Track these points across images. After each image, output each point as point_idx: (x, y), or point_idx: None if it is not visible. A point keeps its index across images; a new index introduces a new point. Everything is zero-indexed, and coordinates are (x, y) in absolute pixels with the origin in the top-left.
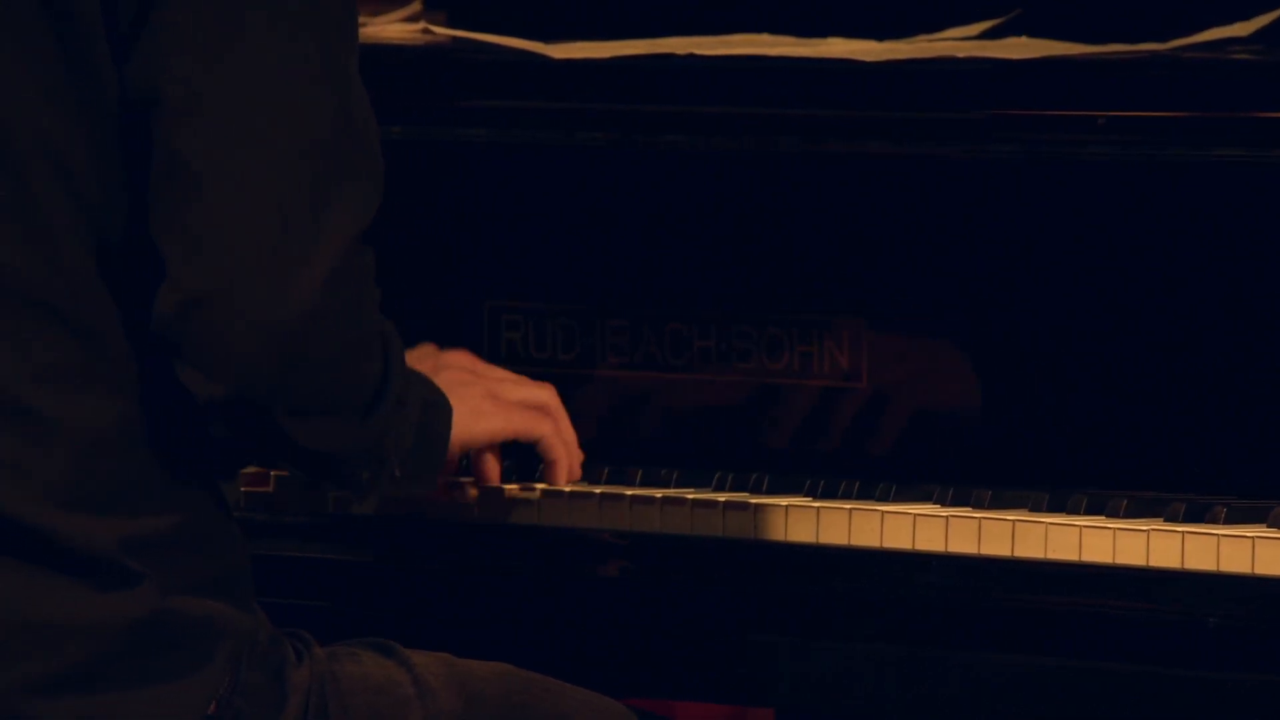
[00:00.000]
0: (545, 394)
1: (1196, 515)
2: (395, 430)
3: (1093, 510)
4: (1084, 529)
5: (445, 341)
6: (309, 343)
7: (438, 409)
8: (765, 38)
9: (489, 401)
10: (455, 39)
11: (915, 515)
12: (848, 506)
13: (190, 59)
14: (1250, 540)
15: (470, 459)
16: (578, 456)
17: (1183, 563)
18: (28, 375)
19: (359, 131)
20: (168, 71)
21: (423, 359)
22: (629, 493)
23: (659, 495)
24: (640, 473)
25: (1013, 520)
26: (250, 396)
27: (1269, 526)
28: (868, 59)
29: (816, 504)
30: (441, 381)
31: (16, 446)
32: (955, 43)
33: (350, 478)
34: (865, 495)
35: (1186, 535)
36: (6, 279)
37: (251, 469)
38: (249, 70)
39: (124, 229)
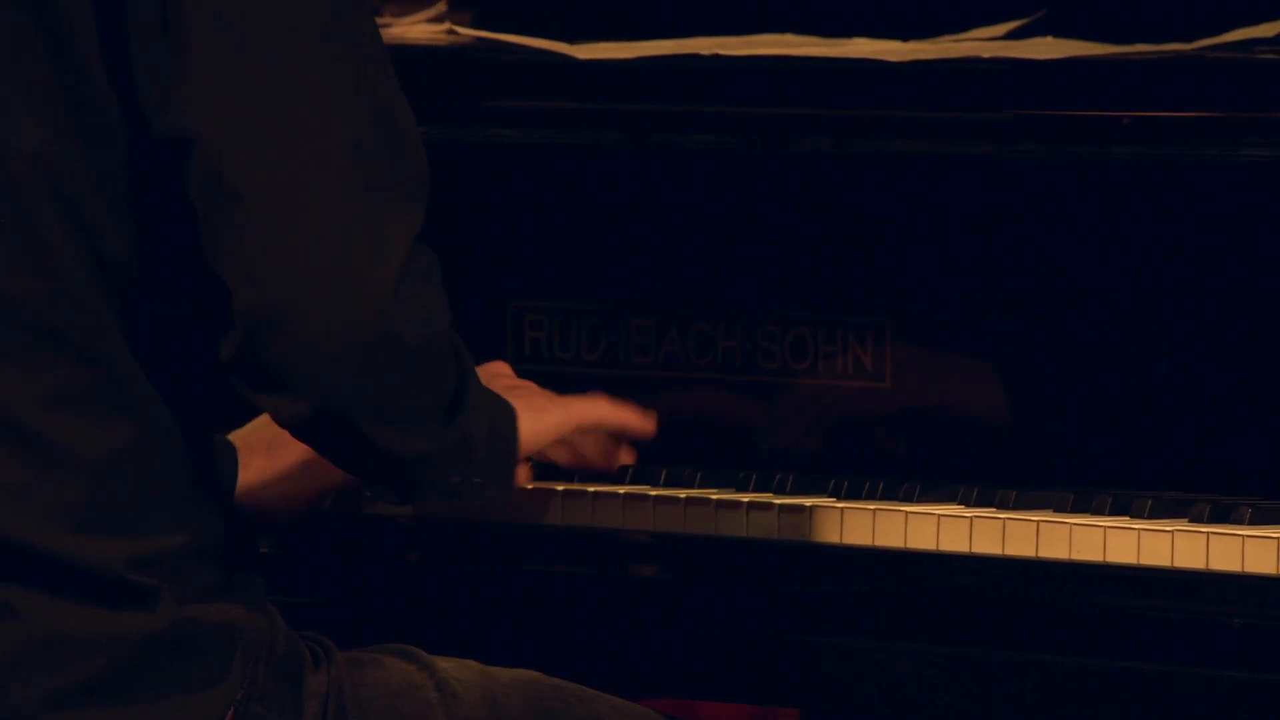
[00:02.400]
0: (594, 398)
1: (1221, 516)
2: (480, 435)
3: (1117, 511)
4: (1108, 530)
5: (469, 341)
6: (386, 348)
7: (504, 412)
8: (790, 38)
9: (544, 398)
10: (480, 39)
11: (939, 516)
12: (872, 507)
13: (221, 94)
14: (1275, 541)
15: None
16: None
17: (1207, 563)
18: (35, 401)
19: (400, 135)
20: (202, 109)
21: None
22: (653, 493)
23: (683, 495)
24: (664, 472)
25: (1037, 521)
26: (334, 409)
27: None
28: (893, 59)
29: (841, 504)
30: (497, 388)
31: (24, 472)
32: (980, 43)
33: (438, 485)
34: (889, 495)
35: (1211, 536)
36: (12, 305)
37: None
38: (281, 93)
39: (127, 254)
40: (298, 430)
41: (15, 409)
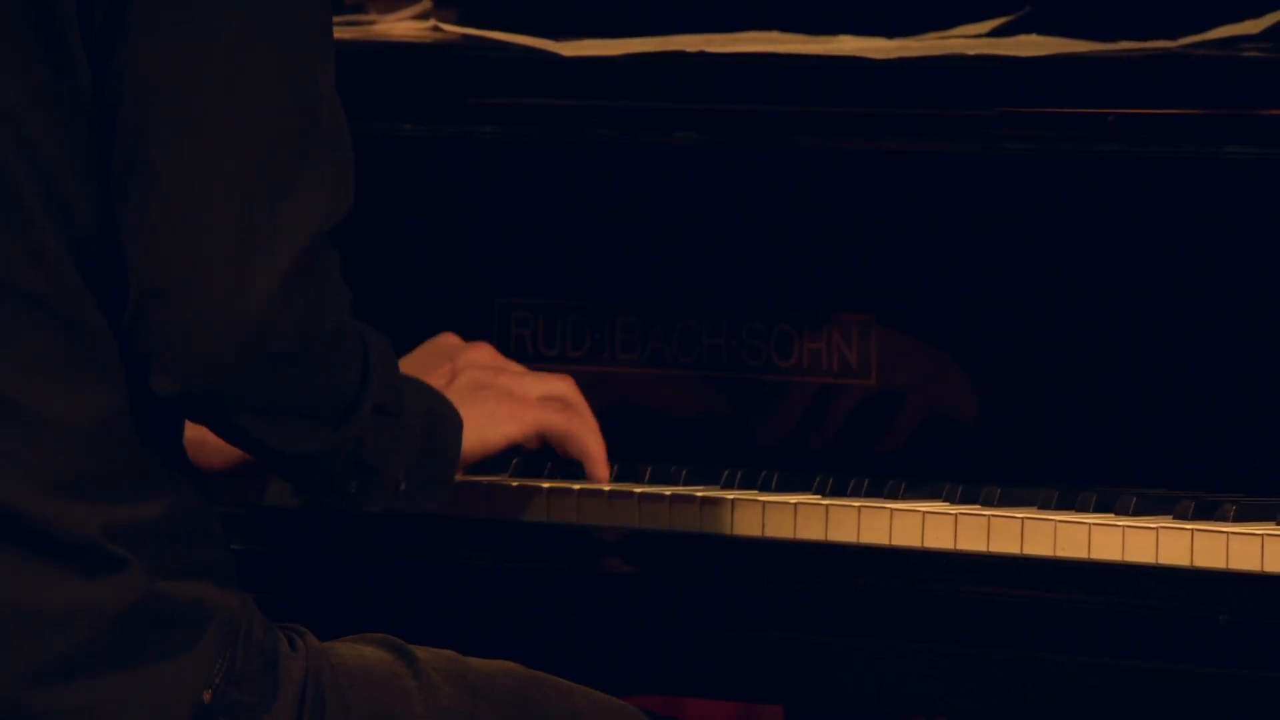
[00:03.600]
0: (564, 387)
1: (1206, 513)
2: (383, 441)
3: (1102, 508)
4: (1093, 526)
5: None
6: (266, 340)
7: (444, 421)
8: (776, 35)
9: (505, 404)
10: (465, 36)
11: (924, 513)
12: (857, 504)
13: (151, 58)
14: (1260, 538)
15: None
16: (602, 447)
17: (1192, 560)
18: (14, 367)
19: (323, 133)
20: (131, 71)
21: (437, 364)
22: (638, 490)
23: (668, 493)
24: (649, 470)
25: (1022, 518)
26: (208, 393)
27: (1279, 524)
28: (878, 56)
29: (825, 501)
30: (455, 389)
31: (1, 438)
32: (965, 40)
33: (333, 489)
34: (874, 493)
35: (1196, 533)
36: None
37: None
38: (209, 70)
39: (99, 222)
40: (173, 407)
41: None
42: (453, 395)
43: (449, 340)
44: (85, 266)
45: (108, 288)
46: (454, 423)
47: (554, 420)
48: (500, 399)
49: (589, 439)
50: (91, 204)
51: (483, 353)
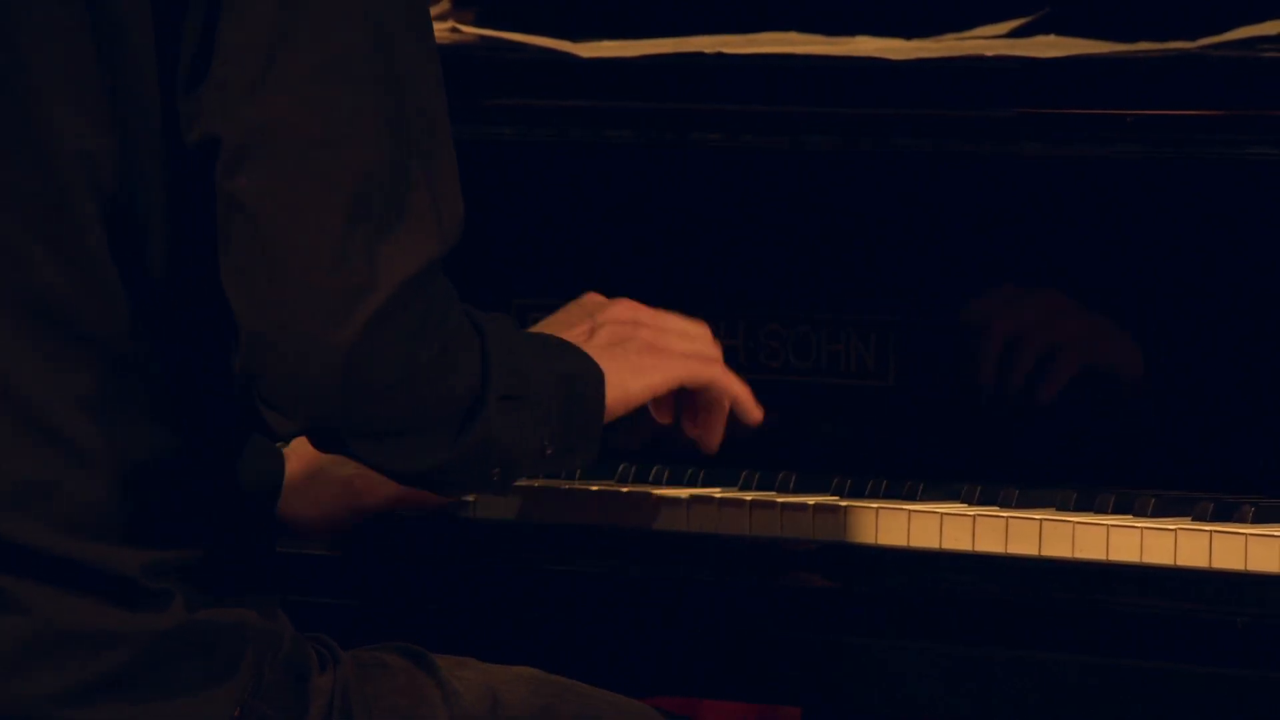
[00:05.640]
0: (704, 340)
1: (1224, 514)
2: (515, 423)
3: (1120, 509)
4: (1111, 528)
5: None
6: (369, 368)
7: (585, 379)
8: (794, 36)
9: (648, 356)
10: (483, 38)
11: (942, 514)
12: (875, 505)
13: (244, 104)
14: (1278, 539)
15: None
16: (748, 393)
17: (1210, 562)
18: (67, 403)
19: (419, 175)
20: (224, 117)
21: (577, 322)
22: (656, 492)
23: (686, 495)
24: (667, 471)
25: (1040, 519)
26: (323, 429)
27: None
28: (896, 58)
29: (844, 503)
30: (595, 344)
31: (50, 472)
32: (984, 41)
33: (476, 484)
34: (892, 494)
35: (1214, 534)
36: (51, 306)
37: None
38: (300, 110)
39: (163, 262)
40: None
41: (48, 409)
42: (592, 350)
43: (593, 299)
44: (147, 307)
45: (169, 328)
46: (595, 378)
47: (697, 370)
48: (641, 351)
49: (735, 385)
50: (160, 243)
51: (623, 308)
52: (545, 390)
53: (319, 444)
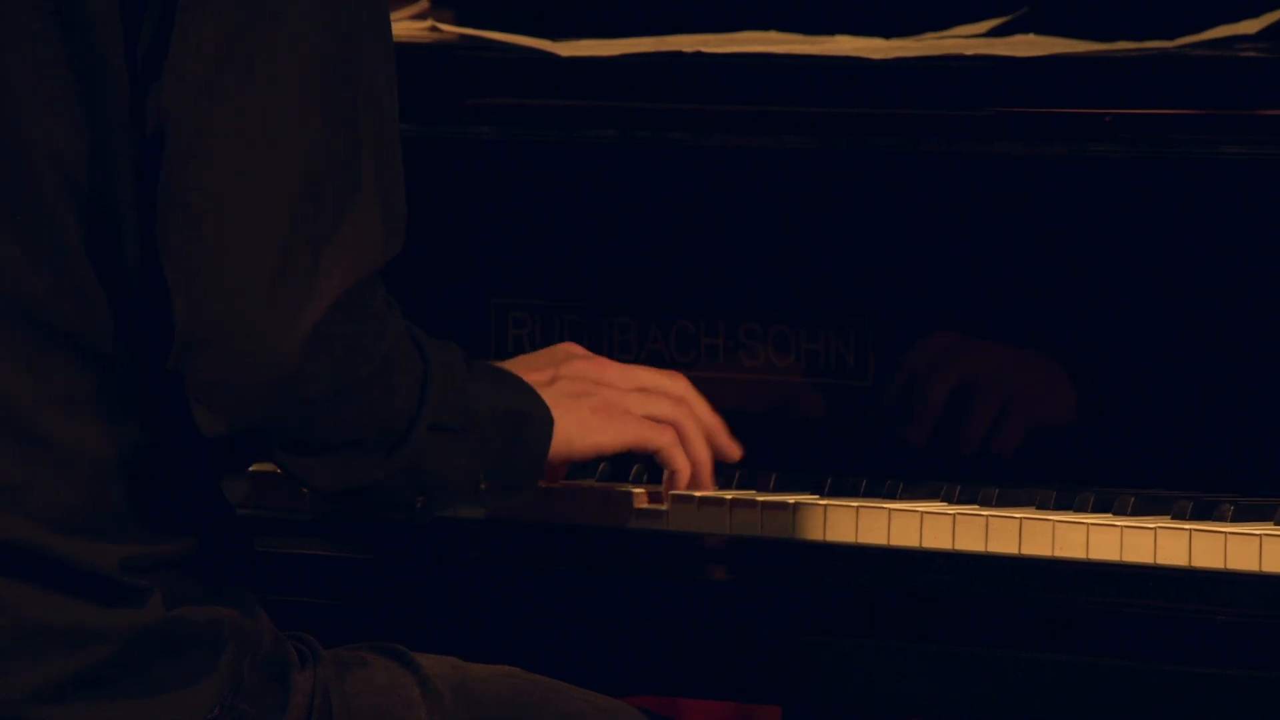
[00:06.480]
0: (678, 389)
1: (1204, 513)
2: (446, 456)
3: (1100, 508)
4: (1091, 527)
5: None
6: (301, 384)
7: (530, 420)
8: (773, 35)
9: (600, 416)
10: (463, 37)
11: (922, 513)
12: (855, 504)
13: (194, 97)
14: (1258, 538)
15: None
16: (704, 463)
17: (1190, 560)
18: (44, 401)
19: (367, 181)
20: (175, 108)
21: (542, 366)
22: (636, 490)
23: (655, 492)
24: (647, 471)
25: (1020, 518)
26: (249, 432)
27: (1277, 524)
28: (875, 56)
29: (824, 502)
30: (553, 392)
31: (26, 471)
32: (962, 40)
33: (396, 509)
34: (872, 493)
35: (1194, 533)
36: (26, 304)
37: (262, 466)
38: (251, 110)
39: (137, 258)
40: (220, 445)
41: (24, 408)
42: (548, 396)
43: (565, 349)
44: (123, 305)
45: (145, 326)
46: (544, 422)
47: (649, 438)
48: (596, 410)
49: (678, 458)
50: (134, 239)
51: (590, 365)
52: (487, 426)
53: (243, 448)
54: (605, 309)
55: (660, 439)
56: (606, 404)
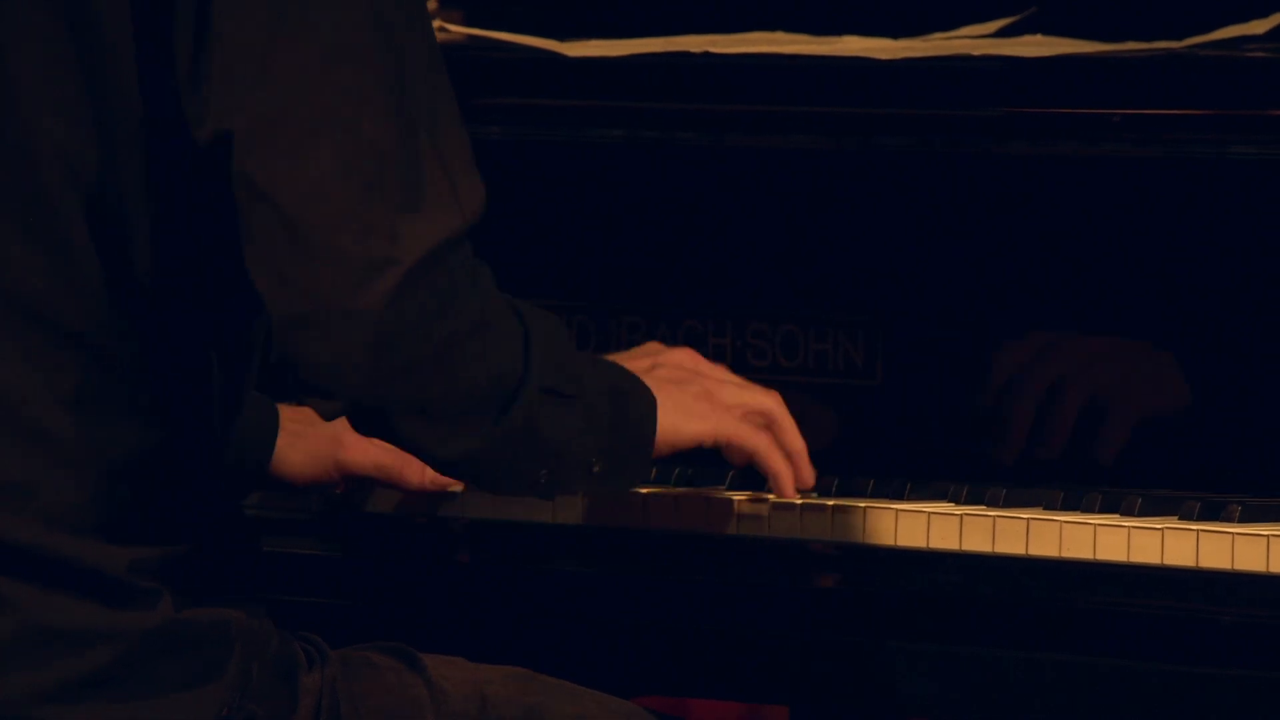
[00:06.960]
0: (769, 402)
1: (1211, 513)
2: (562, 423)
3: (1107, 508)
4: (1098, 527)
5: None
6: (403, 338)
7: (634, 398)
8: (781, 36)
9: (703, 402)
10: (471, 37)
11: (930, 514)
12: (862, 505)
13: (250, 94)
14: (1265, 539)
15: None
16: (805, 468)
17: (1197, 561)
18: (51, 400)
19: (429, 152)
20: (233, 110)
21: (639, 357)
22: (644, 490)
23: (674, 494)
24: (655, 470)
25: (1027, 519)
26: (365, 406)
27: None
28: (883, 57)
29: (831, 502)
30: (653, 378)
31: (33, 471)
32: (971, 40)
33: (520, 482)
34: (880, 493)
35: (1201, 533)
36: (34, 304)
37: None
38: (308, 97)
39: (141, 254)
40: (353, 427)
41: (31, 408)
42: (649, 381)
43: (654, 346)
44: (131, 304)
45: (153, 325)
46: (647, 401)
47: (747, 434)
48: (697, 396)
49: (777, 461)
50: (145, 239)
51: (685, 355)
52: (597, 398)
53: (360, 425)
54: (614, 309)
55: (757, 439)
56: (707, 393)
